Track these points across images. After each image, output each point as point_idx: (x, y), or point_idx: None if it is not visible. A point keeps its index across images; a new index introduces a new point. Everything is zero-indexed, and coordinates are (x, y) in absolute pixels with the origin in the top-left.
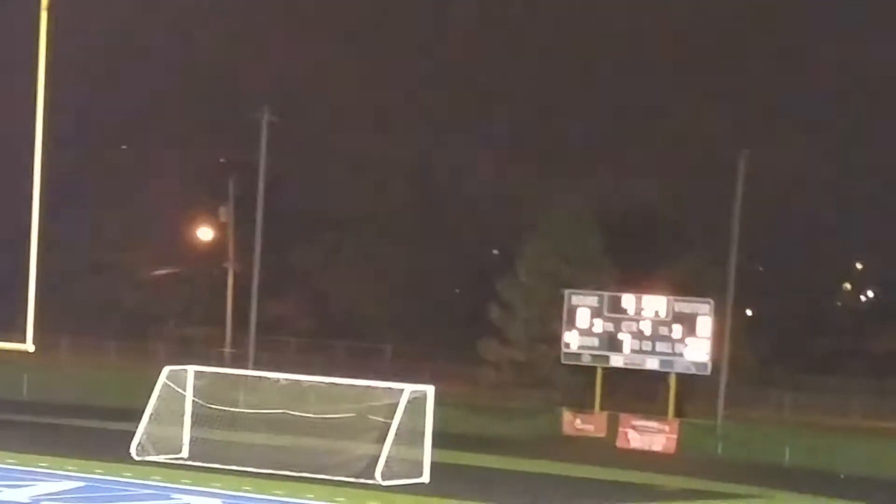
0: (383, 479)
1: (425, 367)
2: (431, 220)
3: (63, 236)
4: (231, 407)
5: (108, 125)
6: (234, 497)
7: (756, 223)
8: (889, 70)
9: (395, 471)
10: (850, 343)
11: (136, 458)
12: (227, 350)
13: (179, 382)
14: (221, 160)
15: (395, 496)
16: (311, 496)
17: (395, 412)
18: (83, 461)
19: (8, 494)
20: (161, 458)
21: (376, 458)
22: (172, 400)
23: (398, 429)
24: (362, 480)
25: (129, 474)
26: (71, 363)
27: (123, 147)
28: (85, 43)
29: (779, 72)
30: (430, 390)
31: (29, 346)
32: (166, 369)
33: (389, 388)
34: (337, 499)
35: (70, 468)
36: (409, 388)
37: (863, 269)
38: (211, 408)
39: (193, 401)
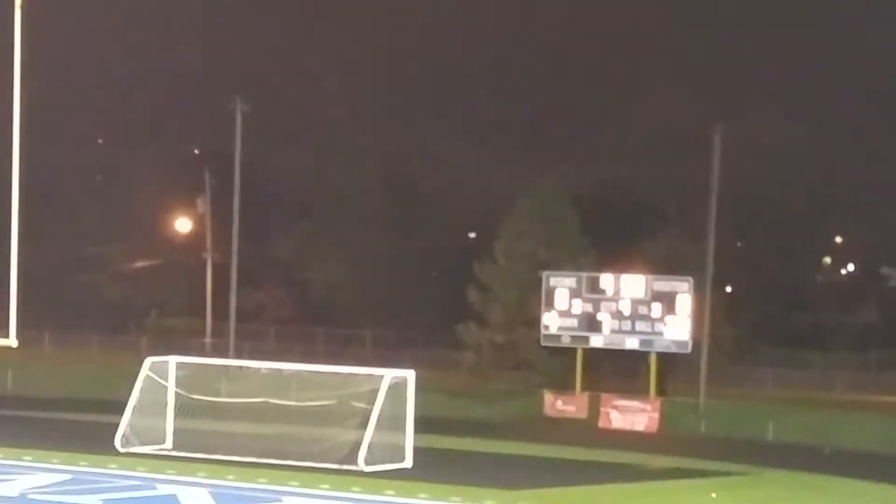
0: (366, 465)
1: (405, 352)
2: (408, 205)
3: (42, 232)
4: (213, 396)
5: (84, 120)
6: (219, 486)
7: (733, 199)
8: (865, 42)
9: (378, 456)
10: (832, 317)
11: (121, 450)
12: (208, 340)
13: (161, 373)
14: (196, 151)
15: (379, 481)
16: (296, 483)
17: (376, 398)
18: (69, 454)
19: (19, 487)
20: (145, 450)
21: (359, 445)
22: (155, 391)
23: (380, 414)
24: (345, 467)
25: (114, 466)
26: (54, 357)
27: (100, 141)
28: (59, 39)
29: (751, 45)
30: (410, 375)
31: (12, 341)
32: (148, 360)
33: (370, 375)
34: (321, 486)
35: (56, 461)
36: (389, 374)
37: (842, 242)
38: (194, 398)
39: (176, 391)
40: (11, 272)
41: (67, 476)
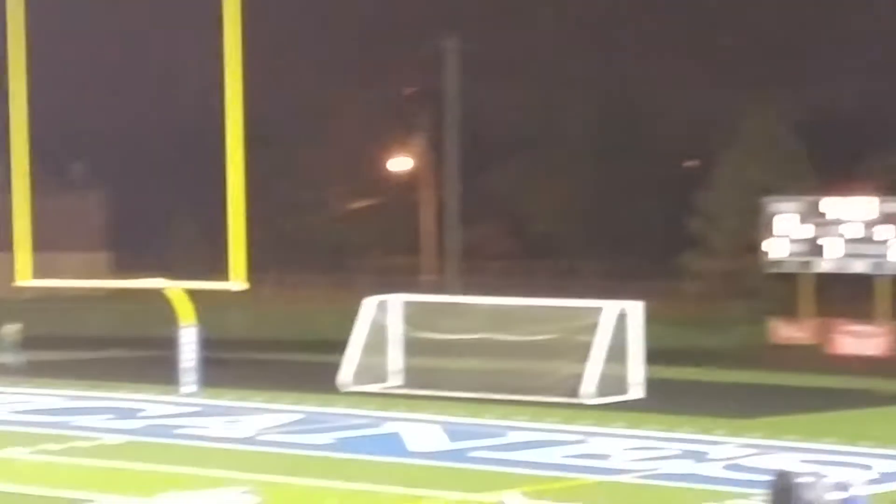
0: (592, 398)
1: (626, 283)
2: (626, 134)
3: (262, 174)
4: (437, 333)
5: (300, 62)
6: (447, 422)
7: None
8: None
9: (604, 388)
10: None
11: (348, 390)
12: (428, 277)
13: (384, 312)
14: (411, 89)
15: (606, 414)
16: (521, 418)
17: (600, 330)
18: (299, 394)
19: (232, 429)
20: (372, 388)
21: (584, 377)
22: (378, 330)
23: (605, 346)
24: (571, 400)
25: (343, 405)
26: (277, 299)
27: (315, 82)
28: None
29: None
30: (636, 306)
31: (241, 284)
32: (370, 299)
33: (593, 307)
34: (546, 419)
35: (287, 401)
36: (613, 305)
37: None
38: (417, 335)
39: (399, 329)
40: (239, 217)
41: (299, 416)
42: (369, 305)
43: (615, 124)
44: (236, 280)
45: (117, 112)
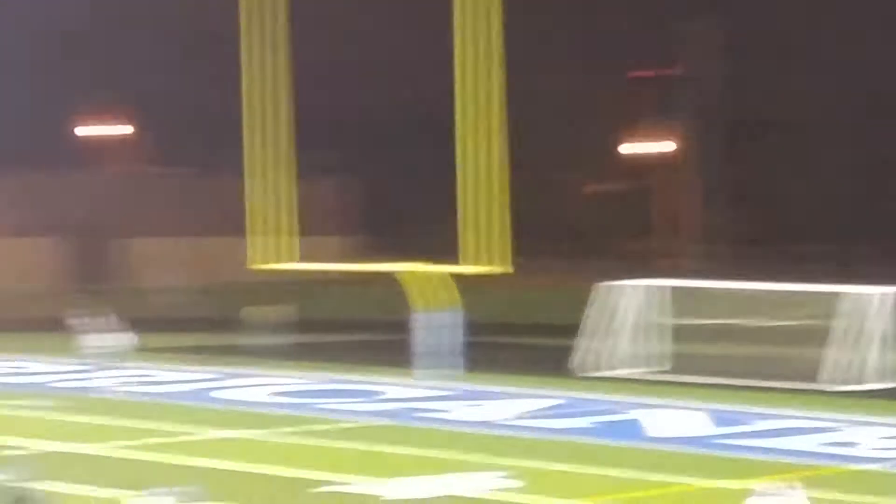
0: (844, 385)
1: (874, 267)
2: (879, 115)
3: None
4: (682, 319)
5: (552, 45)
6: (708, 409)
7: None
8: None
9: (858, 376)
10: None
11: (590, 375)
12: (671, 261)
13: (629, 296)
14: (660, 72)
15: (859, 401)
16: (770, 404)
17: (856, 316)
18: (559, 379)
19: (478, 413)
20: (615, 374)
21: (836, 364)
22: (622, 314)
23: (862, 332)
24: (823, 387)
25: (603, 391)
26: (520, 283)
27: (569, 65)
28: None
29: None
30: (890, 292)
31: (504, 268)
32: (614, 284)
33: (847, 292)
34: (796, 406)
35: (548, 386)
36: (872, 291)
37: None
38: (677, 321)
39: (644, 314)
40: (503, 200)
41: (561, 401)
42: (613, 290)
43: (869, 106)
44: (497, 264)
45: (370, 96)
